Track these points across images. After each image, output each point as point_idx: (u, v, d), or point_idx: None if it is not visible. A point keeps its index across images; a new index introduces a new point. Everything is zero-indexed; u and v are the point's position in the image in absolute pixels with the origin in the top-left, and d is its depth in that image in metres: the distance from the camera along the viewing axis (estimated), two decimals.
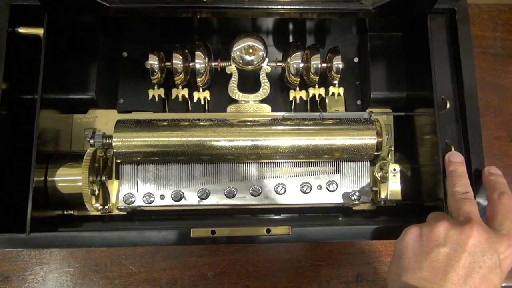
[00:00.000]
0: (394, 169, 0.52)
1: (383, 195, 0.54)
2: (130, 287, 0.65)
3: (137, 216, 0.56)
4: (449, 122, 0.52)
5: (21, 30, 0.51)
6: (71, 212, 0.54)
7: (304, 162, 0.56)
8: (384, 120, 0.59)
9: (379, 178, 0.54)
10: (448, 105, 0.50)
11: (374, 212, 0.57)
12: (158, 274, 0.66)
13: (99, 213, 0.55)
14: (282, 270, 0.67)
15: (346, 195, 0.55)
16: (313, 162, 0.56)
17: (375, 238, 0.46)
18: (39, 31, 0.51)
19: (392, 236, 0.47)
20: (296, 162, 0.56)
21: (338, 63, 0.57)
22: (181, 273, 0.66)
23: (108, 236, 0.46)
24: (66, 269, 0.64)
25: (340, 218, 0.55)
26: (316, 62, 0.57)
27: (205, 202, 0.54)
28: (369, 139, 0.53)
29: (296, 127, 0.54)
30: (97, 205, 0.51)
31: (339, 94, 0.59)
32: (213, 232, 0.45)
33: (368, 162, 0.56)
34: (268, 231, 0.46)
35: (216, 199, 0.54)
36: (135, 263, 0.66)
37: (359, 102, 0.62)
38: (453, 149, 0.50)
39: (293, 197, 0.55)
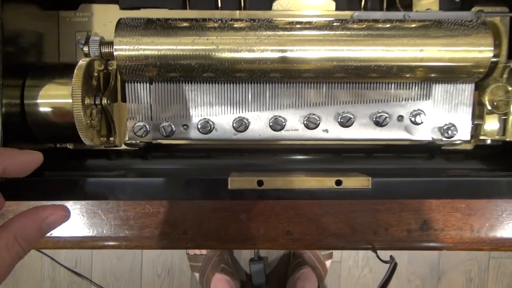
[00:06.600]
0: None
1: (488, 131, 0.38)
2: (148, 229, 0.54)
3: (153, 153, 0.42)
4: None
5: None
6: (67, 145, 0.41)
7: (380, 83, 0.40)
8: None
9: (489, 108, 0.38)
10: None
11: (470, 153, 0.42)
12: (181, 215, 0.54)
13: (102, 146, 0.41)
14: (330, 215, 0.55)
15: (436, 130, 0.40)
16: (393, 83, 0.40)
17: (493, 196, 0.32)
18: None
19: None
20: (368, 82, 0.40)
21: None
22: (208, 215, 0.54)
23: (108, 184, 0.33)
24: (72, 207, 0.53)
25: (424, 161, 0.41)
26: None
27: (243, 135, 0.40)
28: (483, 51, 0.36)
29: (370, 32, 0.37)
30: (96, 137, 0.38)
31: None
32: (260, 183, 0.32)
33: (473, 84, 0.40)
34: (339, 183, 0.32)
35: (257, 132, 0.40)
36: (153, 202, 0.54)
37: None
38: None
39: (363, 130, 0.40)
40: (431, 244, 0.55)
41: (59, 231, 0.53)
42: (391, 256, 0.51)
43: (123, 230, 0.54)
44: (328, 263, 1.22)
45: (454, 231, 0.55)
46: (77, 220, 0.53)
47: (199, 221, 0.54)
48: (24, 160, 0.28)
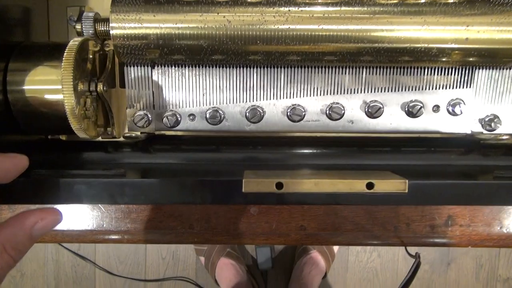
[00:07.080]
0: None
1: None
2: (151, 223, 0.51)
3: (155, 145, 0.38)
4: None
5: None
6: (59, 137, 0.37)
7: (415, 67, 0.35)
8: None
9: None
10: None
11: (509, 147, 0.37)
12: (187, 208, 0.50)
13: (100, 138, 0.37)
14: (347, 209, 0.51)
15: (477, 122, 0.35)
16: (429, 68, 0.35)
17: None
18: None
19: None
20: (401, 67, 0.35)
21: None
22: (216, 209, 0.50)
23: (106, 186, 0.28)
24: None
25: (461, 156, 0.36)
26: None
27: (257, 126, 0.35)
28: None
29: (405, 8, 0.32)
30: (92, 129, 0.33)
31: None
32: (279, 186, 0.27)
33: None
34: (370, 186, 0.27)
35: (273, 123, 0.35)
36: None
37: None
38: None
39: (394, 122, 0.35)
40: (456, 241, 0.51)
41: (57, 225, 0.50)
42: (416, 253, 0.47)
43: (125, 223, 0.50)
44: (336, 247, 1.20)
45: (482, 227, 0.51)
46: (76, 213, 0.49)
47: (207, 215, 0.50)
48: (8, 166, 0.26)
